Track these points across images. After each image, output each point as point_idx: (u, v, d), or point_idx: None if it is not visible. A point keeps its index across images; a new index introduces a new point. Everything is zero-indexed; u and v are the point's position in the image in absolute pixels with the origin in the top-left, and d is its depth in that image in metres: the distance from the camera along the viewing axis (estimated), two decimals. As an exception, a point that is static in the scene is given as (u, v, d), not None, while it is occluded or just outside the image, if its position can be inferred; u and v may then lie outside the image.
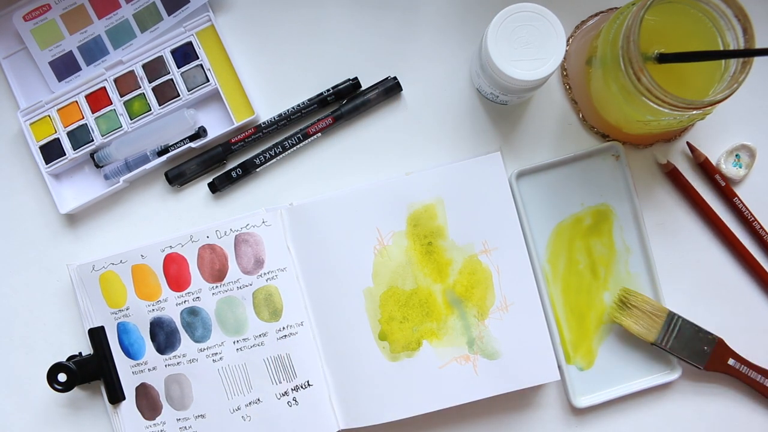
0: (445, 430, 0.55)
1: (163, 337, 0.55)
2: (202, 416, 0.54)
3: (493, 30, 0.46)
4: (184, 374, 0.55)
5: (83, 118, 0.56)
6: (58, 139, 0.56)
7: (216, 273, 0.54)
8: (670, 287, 0.55)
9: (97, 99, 0.56)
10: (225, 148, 0.56)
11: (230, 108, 0.55)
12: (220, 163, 0.56)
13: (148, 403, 0.55)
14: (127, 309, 0.55)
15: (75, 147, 0.56)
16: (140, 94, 0.56)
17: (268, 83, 0.57)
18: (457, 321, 0.53)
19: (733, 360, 0.53)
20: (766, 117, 0.56)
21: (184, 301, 0.55)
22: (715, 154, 0.55)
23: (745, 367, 0.53)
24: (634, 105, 0.46)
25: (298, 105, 0.56)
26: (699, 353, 0.53)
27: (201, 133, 0.56)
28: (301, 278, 0.54)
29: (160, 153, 0.56)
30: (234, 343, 0.54)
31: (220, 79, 0.55)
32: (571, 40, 0.55)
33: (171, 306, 0.55)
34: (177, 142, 0.56)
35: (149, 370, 0.55)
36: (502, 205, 0.53)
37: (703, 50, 0.45)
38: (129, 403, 0.55)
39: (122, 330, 0.55)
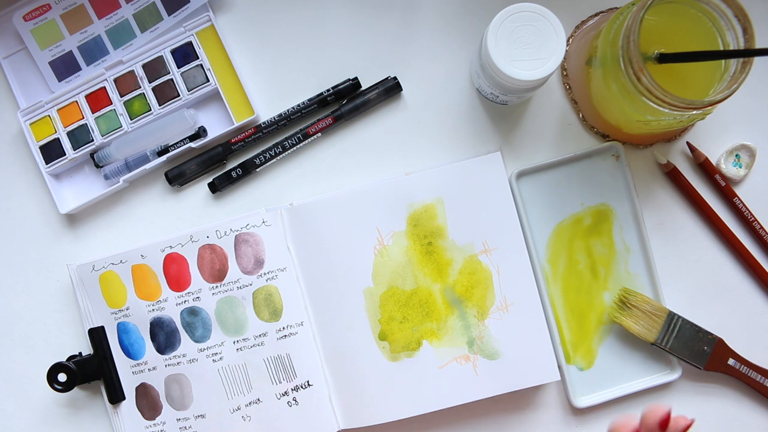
0: (445, 430, 0.55)
1: (163, 337, 0.55)
2: (202, 416, 0.54)
3: (493, 30, 0.46)
4: (184, 374, 0.55)
5: (83, 118, 0.56)
6: (58, 139, 0.56)
7: (216, 273, 0.54)
8: (670, 287, 0.55)
9: (97, 99, 0.56)
10: (225, 148, 0.56)
11: (230, 108, 0.55)
12: (220, 163, 0.56)
13: (148, 403, 0.55)
14: (127, 309, 0.55)
15: (75, 147, 0.56)
16: (140, 94, 0.56)
17: (268, 83, 0.57)
18: (457, 321, 0.53)
19: (733, 360, 0.53)
20: (766, 117, 0.56)
21: (184, 301, 0.55)
22: (715, 154, 0.55)
23: (745, 367, 0.53)
24: (634, 105, 0.46)
25: (298, 105, 0.56)
26: (699, 353, 0.53)
27: (201, 133, 0.56)
28: (301, 278, 0.54)
29: (160, 153, 0.56)
30: (234, 343, 0.54)
31: (220, 79, 0.55)
32: (571, 40, 0.55)
33: (171, 306, 0.55)
34: (177, 142, 0.56)
35: (149, 370, 0.55)
36: (502, 205, 0.53)
37: (703, 50, 0.45)
38: (129, 403, 0.55)
39: (122, 330, 0.55)
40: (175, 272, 0.55)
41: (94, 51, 0.57)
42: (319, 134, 0.56)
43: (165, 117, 0.56)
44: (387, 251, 0.53)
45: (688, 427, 0.37)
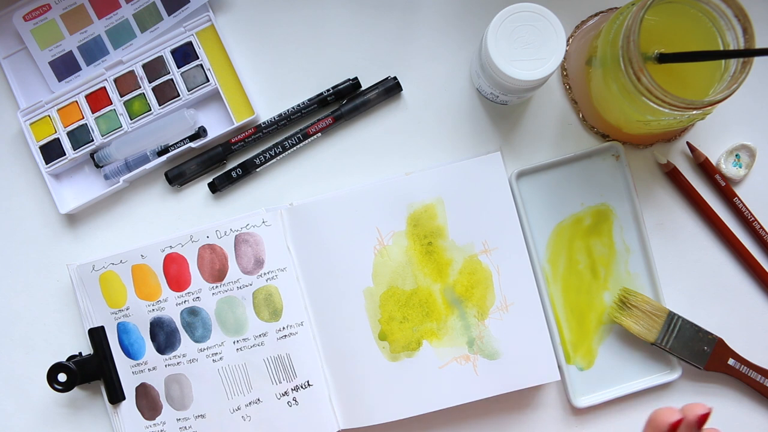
0: (445, 430, 0.55)
1: (163, 337, 0.55)
2: (202, 416, 0.54)
3: (493, 30, 0.46)
4: (184, 374, 0.55)
5: (83, 118, 0.56)
6: (58, 139, 0.56)
7: (216, 273, 0.54)
8: (670, 287, 0.55)
9: (97, 99, 0.56)
10: (225, 148, 0.56)
11: (230, 108, 0.55)
12: (220, 163, 0.56)
13: (148, 403, 0.55)
14: (127, 309, 0.55)
15: (75, 147, 0.56)
16: (140, 94, 0.56)
17: (268, 83, 0.57)
18: (457, 321, 0.53)
19: (733, 360, 0.53)
20: (766, 117, 0.56)
21: (184, 301, 0.55)
22: (715, 154, 0.55)
23: (745, 367, 0.53)
24: (634, 105, 0.46)
25: (298, 105, 0.56)
26: (699, 353, 0.53)
27: (201, 133, 0.56)
28: (301, 278, 0.54)
29: (160, 153, 0.56)
30: (234, 343, 0.54)
31: (220, 79, 0.55)
32: (571, 40, 0.55)
33: (171, 306, 0.55)
34: (177, 142, 0.56)
35: (149, 370, 0.55)
36: (502, 205, 0.53)
37: (703, 50, 0.45)
38: (129, 403, 0.55)
39: (122, 330, 0.55)
40: (175, 272, 0.55)
41: (94, 51, 0.57)
42: (319, 134, 0.56)
43: (165, 117, 0.56)
44: (387, 251, 0.53)
45: None
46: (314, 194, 0.56)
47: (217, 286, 0.54)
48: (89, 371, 0.55)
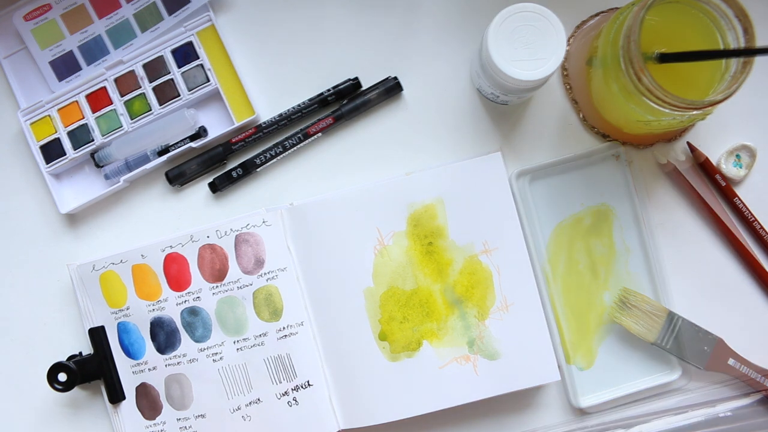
0: (445, 430, 0.55)
1: (164, 336, 0.55)
2: (202, 416, 0.54)
3: (493, 30, 0.46)
4: (184, 374, 0.55)
5: (83, 117, 0.56)
6: (58, 138, 0.56)
7: (216, 273, 0.54)
8: (670, 287, 0.55)
9: (98, 99, 0.56)
10: (225, 148, 0.56)
11: (230, 108, 0.55)
12: (221, 163, 0.56)
13: (149, 403, 0.55)
14: (127, 309, 0.55)
15: (75, 147, 0.56)
16: (140, 93, 0.56)
17: (269, 83, 0.57)
18: (457, 321, 0.53)
19: (733, 360, 0.53)
20: (766, 117, 0.56)
21: (185, 301, 0.55)
22: (716, 154, 0.55)
23: (745, 367, 0.53)
24: (635, 105, 0.46)
25: (299, 105, 0.56)
26: (699, 353, 0.53)
27: (201, 133, 0.56)
28: (301, 278, 0.54)
29: (161, 153, 0.56)
30: (234, 343, 0.54)
31: (220, 79, 0.55)
32: (571, 40, 0.55)
33: (171, 306, 0.55)
34: (177, 142, 0.56)
35: (149, 370, 0.55)
36: (503, 205, 0.53)
37: (703, 50, 0.45)
38: (129, 403, 0.55)
39: (122, 330, 0.55)
40: (176, 272, 0.55)
41: (94, 51, 0.57)
42: (320, 134, 0.56)
43: (165, 117, 0.56)
44: (387, 251, 0.53)
45: None
46: (314, 194, 0.56)
47: (217, 286, 0.54)
48: (89, 371, 0.55)
